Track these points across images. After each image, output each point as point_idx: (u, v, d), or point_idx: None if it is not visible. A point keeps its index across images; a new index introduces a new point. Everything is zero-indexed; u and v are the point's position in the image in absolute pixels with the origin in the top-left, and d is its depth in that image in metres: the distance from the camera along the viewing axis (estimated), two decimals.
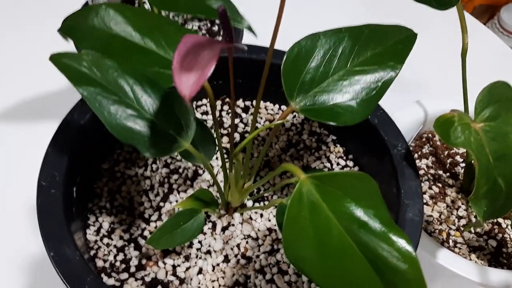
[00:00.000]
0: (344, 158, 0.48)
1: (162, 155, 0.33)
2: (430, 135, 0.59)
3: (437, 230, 0.50)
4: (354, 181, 0.30)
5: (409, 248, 0.29)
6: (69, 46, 0.60)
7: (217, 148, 0.40)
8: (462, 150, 0.58)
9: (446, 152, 0.57)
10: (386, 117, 0.44)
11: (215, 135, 0.39)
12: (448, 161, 0.56)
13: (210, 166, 0.44)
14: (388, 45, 0.38)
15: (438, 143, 0.58)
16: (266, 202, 0.44)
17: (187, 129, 0.34)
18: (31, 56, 0.71)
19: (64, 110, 0.57)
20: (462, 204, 0.53)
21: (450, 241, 0.50)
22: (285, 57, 0.36)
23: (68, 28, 0.38)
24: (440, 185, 0.54)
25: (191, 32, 0.38)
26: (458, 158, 0.57)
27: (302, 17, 0.79)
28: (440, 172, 0.55)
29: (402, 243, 0.29)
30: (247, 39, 0.64)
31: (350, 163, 0.47)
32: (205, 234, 0.41)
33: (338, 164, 0.47)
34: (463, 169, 0.55)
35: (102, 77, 0.33)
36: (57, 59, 0.33)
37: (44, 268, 0.48)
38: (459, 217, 0.52)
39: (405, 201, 0.38)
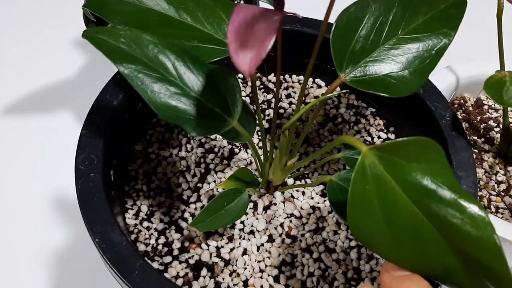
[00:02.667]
0: (385, 131, 0.46)
1: (210, 134, 0.31)
2: (461, 101, 0.57)
3: (478, 197, 0.48)
4: (418, 148, 0.28)
5: (482, 213, 0.27)
6: (67, 38, 0.58)
7: (257, 126, 0.38)
8: (495, 115, 0.56)
9: (479, 118, 0.56)
10: (432, 86, 0.42)
11: (254, 113, 0.37)
12: (482, 126, 0.55)
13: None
14: (439, 10, 0.36)
15: (471, 108, 0.56)
16: (308, 180, 0.42)
17: (234, 107, 0.32)
18: (35, 48, 0.68)
19: (76, 100, 0.55)
20: (500, 169, 0.51)
21: (492, 206, 0.48)
22: (334, 25, 0.34)
23: (94, 4, 0.36)
24: (476, 151, 0.52)
25: (229, 3, 0.36)
26: (491, 122, 0.55)
27: None
28: (475, 137, 0.53)
29: (474, 208, 0.27)
30: None
31: (392, 136, 0.45)
32: (246, 214, 0.40)
33: (379, 137, 0.45)
34: (498, 134, 0.53)
35: (142, 54, 0.31)
36: (92, 36, 0.31)
37: (68, 261, 0.47)
38: (498, 182, 0.50)
39: (458, 173, 0.37)
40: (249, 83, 0.48)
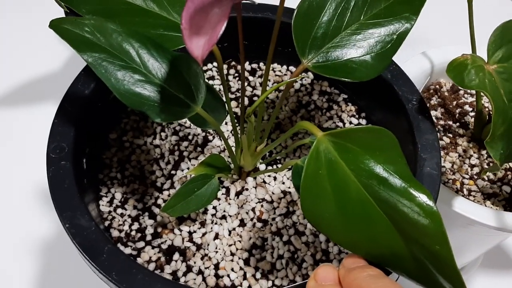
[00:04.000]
0: (357, 116, 0.46)
1: (174, 120, 0.32)
2: (437, 86, 0.58)
3: (451, 180, 0.49)
4: (372, 136, 0.29)
5: (430, 203, 0.28)
6: (47, 30, 0.58)
7: (227, 112, 0.39)
8: (470, 99, 0.57)
9: (454, 103, 0.56)
10: (399, 71, 0.42)
11: (224, 99, 0.38)
12: (457, 111, 0.55)
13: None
14: None
15: (446, 94, 0.57)
16: (279, 165, 0.43)
17: (198, 93, 0.33)
18: (23, 39, 0.68)
19: (61, 90, 0.56)
20: (474, 152, 0.52)
21: (464, 190, 0.49)
22: (295, 12, 0.34)
23: None
24: (450, 135, 0.53)
25: None
26: (467, 107, 0.56)
27: None
28: (450, 122, 0.54)
29: (423, 198, 0.28)
30: None
31: (363, 122, 0.46)
32: (219, 199, 0.40)
33: (350, 123, 0.46)
34: (472, 118, 0.54)
35: (106, 42, 0.32)
36: (57, 26, 0.32)
37: (56, 249, 0.48)
38: (472, 166, 0.51)
39: (422, 155, 0.37)
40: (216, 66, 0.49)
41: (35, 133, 0.57)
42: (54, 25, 0.32)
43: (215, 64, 0.50)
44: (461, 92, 0.57)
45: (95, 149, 0.41)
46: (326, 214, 0.29)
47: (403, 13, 0.36)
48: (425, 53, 0.56)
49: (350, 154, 0.29)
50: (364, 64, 0.34)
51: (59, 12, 0.60)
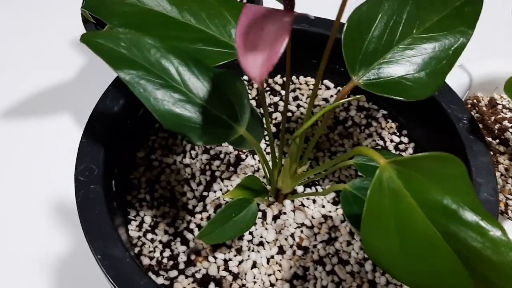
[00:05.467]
0: (398, 134, 0.44)
1: (217, 143, 0.29)
2: (475, 100, 0.55)
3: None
4: (439, 164, 0.27)
5: (504, 238, 0.25)
6: (66, 38, 0.56)
7: (265, 131, 0.37)
8: (509, 114, 0.54)
9: (493, 118, 0.54)
10: (447, 87, 0.40)
11: (261, 117, 0.36)
12: (496, 127, 0.53)
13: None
14: (454, 7, 0.34)
15: (484, 108, 0.55)
16: (318, 187, 0.40)
17: (242, 113, 0.30)
18: (37, 50, 0.66)
19: (75, 102, 0.54)
20: None
21: (509, 211, 0.47)
22: (345, 26, 0.32)
23: (93, 4, 0.34)
24: (491, 152, 0.50)
25: (234, 2, 0.34)
26: (506, 123, 0.53)
27: None
28: (490, 139, 0.52)
29: (496, 232, 0.25)
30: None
31: (405, 139, 0.43)
32: (255, 224, 0.38)
33: (392, 141, 0.43)
34: None
35: (143, 58, 0.29)
36: (90, 40, 0.29)
37: (68, 266, 0.45)
38: None
39: (477, 180, 0.35)
40: (256, 86, 0.47)
41: (50, 146, 0.54)
42: (87, 39, 0.29)
43: (245, 77, 0.47)
44: (499, 106, 0.55)
45: (123, 169, 0.39)
46: (388, 249, 0.26)
47: (457, 27, 0.33)
48: (463, 66, 0.53)
49: (416, 184, 0.26)
50: (419, 81, 0.32)
51: (73, 19, 0.58)
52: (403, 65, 0.32)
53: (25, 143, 0.55)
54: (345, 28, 0.32)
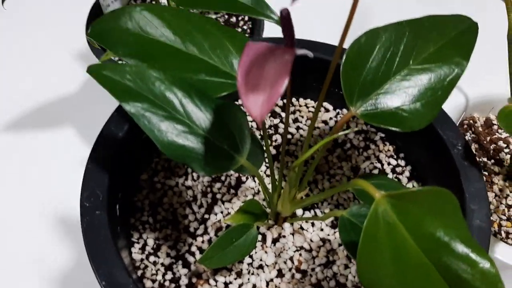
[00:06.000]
0: (395, 157, 0.45)
1: (218, 173, 0.30)
2: (471, 121, 0.56)
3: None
4: (433, 198, 0.28)
5: (492, 269, 0.26)
6: (71, 52, 0.57)
7: (265, 156, 0.38)
8: (504, 135, 0.55)
9: (488, 138, 0.55)
10: (443, 113, 0.41)
11: (262, 143, 0.37)
12: (491, 147, 0.54)
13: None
14: (451, 38, 0.35)
15: (480, 129, 0.56)
16: (317, 211, 0.41)
17: (242, 144, 0.31)
18: (38, 62, 0.67)
19: (76, 115, 0.55)
20: (511, 192, 0.50)
21: (502, 232, 0.48)
22: (344, 57, 0.33)
23: (98, 33, 0.35)
24: (486, 173, 0.51)
25: (235, 33, 0.35)
26: (501, 143, 0.54)
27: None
28: (485, 159, 0.53)
29: (485, 264, 0.26)
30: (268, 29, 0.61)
31: (402, 162, 0.44)
32: (255, 247, 0.39)
33: (389, 163, 0.44)
34: (508, 155, 0.52)
35: (148, 91, 0.30)
36: (97, 72, 0.30)
37: (70, 280, 0.46)
38: (509, 206, 0.49)
39: (471, 206, 0.36)
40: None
41: (55, 159, 0.55)
42: (93, 71, 0.30)
43: None
44: (495, 127, 0.56)
45: (127, 192, 0.40)
46: (383, 280, 0.27)
47: (453, 57, 0.34)
48: (459, 87, 0.55)
49: (410, 217, 0.27)
50: (415, 112, 0.33)
51: (75, 31, 0.59)
52: (400, 96, 0.33)
53: (29, 155, 0.56)
54: (343, 59, 0.33)
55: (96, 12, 0.61)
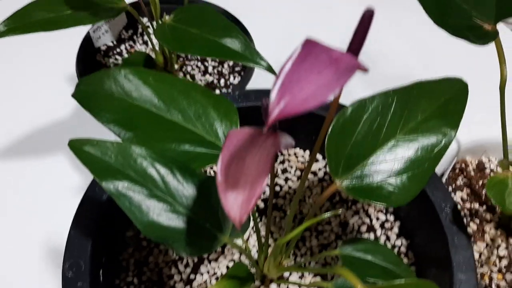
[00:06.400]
0: (384, 211, 0.44)
1: (201, 254, 0.30)
2: (463, 165, 0.56)
3: (479, 274, 0.47)
4: None
5: None
6: (61, 77, 0.56)
7: (251, 221, 0.37)
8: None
9: (480, 182, 0.54)
10: (434, 175, 0.40)
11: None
12: (483, 192, 0.53)
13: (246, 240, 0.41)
14: (439, 105, 0.35)
15: (472, 173, 0.55)
16: (306, 273, 0.41)
17: (225, 221, 0.31)
18: (26, 86, 0.67)
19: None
20: (502, 241, 0.50)
21: (493, 285, 0.47)
22: (329, 129, 0.32)
23: (83, 95, 0.35)
24: (478, 220, 0.51)
25: (221, 99, 0.35)
26: None
27: (312, 7, 0.74)
28: (477, 205, 0.52)
29: None
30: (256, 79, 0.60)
31: (391, 217, 0.44)
32: None
33: (378, 218, 0.44)
34: None
35: (129, 168, 0.30)
36: (78, 148, 0.30)
37: None
38: (500, 257, 0.49)
39: (458, 276, 0.35)
40: None
41: (45, 185, 0.55)
42: (74, 146, 0.30)
43: None
44: (487, 170, 0.55)
45: (112, 251, 0.39)
46: None
47: (440, 127, 0.34)
48: None
49: None
50: (401, 186, 0.32)
51: (67, 62, 0.57)
52: (385, 169, 0.33)
53: (20, 182, 0.56)
54: (328, 132, 0.32)
55: (87, 44, 0.61)
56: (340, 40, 0.72)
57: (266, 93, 0.44)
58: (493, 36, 0.39)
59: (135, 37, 0.66)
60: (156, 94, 0.35)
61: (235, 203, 0.24)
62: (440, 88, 0.36)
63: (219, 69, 0.63)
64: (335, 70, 0.21)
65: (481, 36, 0.39)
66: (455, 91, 0.36)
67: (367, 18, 0.23)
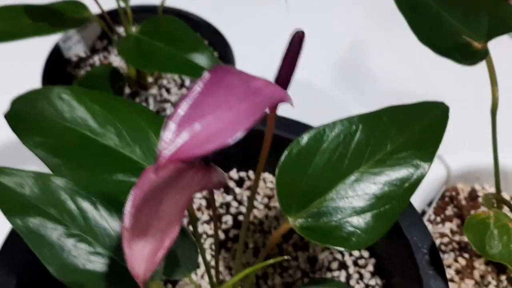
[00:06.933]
0: None
1: None
2: (453, 193, 0.51)
3: None
4: None
5: None
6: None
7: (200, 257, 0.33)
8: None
9: (472, 212, 0.50)
10: (411, 210, 0.36)
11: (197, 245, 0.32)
12: None
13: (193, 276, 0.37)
14: (412, 134, 0.31)
15: (463, 202, 0.51)
16: None
17: None
18: None
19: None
20: (493, 278, 0.45)
21: None
22: (281, 161, 0.28)
23: (14, 115, 0.31)
24: (467, 255, 0.46)
25: (161, 123, 0.31)
26: None
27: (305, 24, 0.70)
28: (466, 238, 0.48)
29: None
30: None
31: (366, 254, 0.40)
32: None
33: (351, 254, 0.39)
34: None
35: (46, 201, 0.26)
36: None
37: None
38: None
39: None
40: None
41: None
42: None
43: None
44: (480, 199, 0.51)
45: None
46: None
47: (413, 158, 0.30)
48: (440, 157, 0.50)
49: None
50: (363, 226, 0.28)
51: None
52: (347, 206, 0.28)
53: None
54: (280, 164, 0.28)
55: (56, 55, 0.57)
56: (334, 53, 0.68)
57: None
58: (483, 56, 0.35)
59: (110, 47, 0.62)
60: (91, 115, 0.31)
61: (140, 256, 0.20)
62: (415, 114, 0.32)
63: None
64: (251, 103, 0.17)
65: (470, 55, 0.35)
66: (433, 117, 0.32)
67: (297, 41, 0.19)
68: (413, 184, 0.29)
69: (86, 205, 0.26)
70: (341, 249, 0.27)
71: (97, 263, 0.26)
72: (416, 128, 0.31)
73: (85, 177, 0.28)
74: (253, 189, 0.28)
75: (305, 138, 0.29)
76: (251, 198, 0.28)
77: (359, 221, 0.28)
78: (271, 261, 0.26)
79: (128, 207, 0.20)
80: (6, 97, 0.61)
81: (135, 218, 0.20)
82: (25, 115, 0.31)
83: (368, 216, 0.28)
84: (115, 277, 0.26)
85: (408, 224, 0.35)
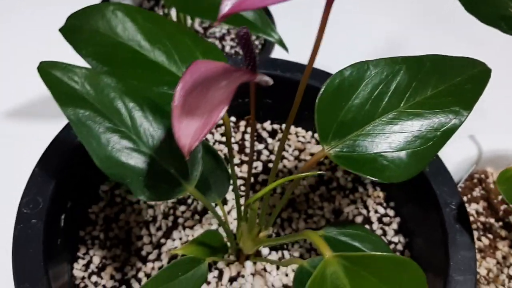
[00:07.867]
0: (385, 205, 0.40)
1: (159, 200, 0.27)
2: (483, 175, 0.51)
3: None
4: (395, 268, 0.23)
5: None
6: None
7: (231, 183, 0.34)
8: None
9: (500, 197, 0.49)
10: (440, 166, 0.36)
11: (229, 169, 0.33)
12: (502, 207, 0.48)
13: (222, 203, 0.38)
14: (454, 83, 0.31)
15: (492, 186, 0.50)
16: (285, 252, 0.37)
17: (193, 170, 0.28)
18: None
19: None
20: None
21: None
22: (322, 89, 0.29)
23: (69, 29, 0.32)
24: (491, 236, 0.46)
25: (211, 47, 0.32)
26: None
27: (341, 26, 0.70)
28: (492, 220, 0.47)
29: None
30: (278, 52, 0.57)
31: (391, 212, 0.40)
32: (209, 283, 0.35)
33: (376, 211, 0.40)
34: None
35: (96, 97, 0.27)
36: (45, 70, 0.28)
37: None
38: (510, 277, 0.44)
39: (453, 276, 0.31)
40: (241, 129, 0.44)
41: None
42: (42, 69, 0.28)
43: (232, 118, 0.45)
44: None
45: (82, 202, 0.37)
46: None
47: (451, 105, 0.30)
48: (473, 137, 0.49)
49: (364, 284, 0.23)
50: (397, 162, 0.28)
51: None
52: (383, 140, 0.29)
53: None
54: (321, 92, 0.29)
55: None
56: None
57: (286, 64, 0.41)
58: None
59: (156, 8, 0.64)
60: (142, 33, 0.32)
61: (187, 130, 0.21)
62: (457, 66, 0.32)
63: (237, 49, 0.60)
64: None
65: None
66: (475, 73, 0.32)
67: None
68: (450, 129, 0.29)
69: (133, 106, 0.28)
70: (374, 179, 0.28)
71: (139, 160, 0.27)
72: (458, 78, 0.31)
73: (132, 85, 0.29)
74: (284, 136, 0.28)
75: (349, 70, 0.29)
76: (281, 146, 0.29)
77: (393, 156, 0.28)
78: (305, 174, 0.27)
79: (178, 88, 0.21)
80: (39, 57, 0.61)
81: (184, 98, 0.21)
82: (79, 29, 0.32)
83: (403, 153, 0.29)
84: (154, 175, 0.27)
85: (438, 180, 0.35)
